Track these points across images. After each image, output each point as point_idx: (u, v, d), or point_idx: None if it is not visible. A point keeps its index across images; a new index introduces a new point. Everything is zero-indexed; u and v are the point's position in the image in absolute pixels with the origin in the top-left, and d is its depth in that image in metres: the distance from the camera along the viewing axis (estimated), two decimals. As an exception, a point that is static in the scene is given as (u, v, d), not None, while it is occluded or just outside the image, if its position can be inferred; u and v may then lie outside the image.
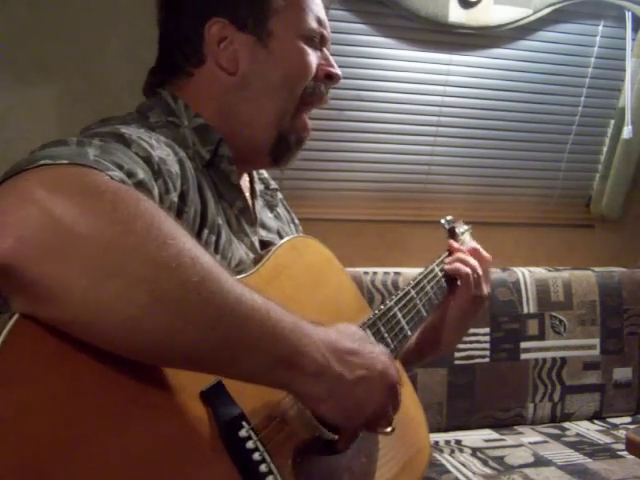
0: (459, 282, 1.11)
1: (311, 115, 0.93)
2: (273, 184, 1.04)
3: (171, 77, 0.88)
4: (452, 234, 1.21)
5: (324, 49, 0.92)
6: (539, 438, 1.77)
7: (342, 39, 1.78)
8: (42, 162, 0.53)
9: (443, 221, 1.22)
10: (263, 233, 0.94)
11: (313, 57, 0.89)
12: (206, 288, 0.54)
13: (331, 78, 0.91)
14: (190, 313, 0.53)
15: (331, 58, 0.92)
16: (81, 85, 1.59)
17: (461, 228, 1.25)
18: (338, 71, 0.92)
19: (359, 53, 1.82)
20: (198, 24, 0.85)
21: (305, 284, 0.87)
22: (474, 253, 1.14)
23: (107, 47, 1.58)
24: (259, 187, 1.00)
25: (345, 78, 1.78)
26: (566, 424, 1.89)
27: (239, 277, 0.76)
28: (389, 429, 0.74)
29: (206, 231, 0.78)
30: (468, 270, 1.10)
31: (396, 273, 1.81)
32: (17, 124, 1.54)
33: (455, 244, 1.17)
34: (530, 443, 1.73)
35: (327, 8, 0.96)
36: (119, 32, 1.59)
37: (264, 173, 1.04)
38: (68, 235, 0.49)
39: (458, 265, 1.11)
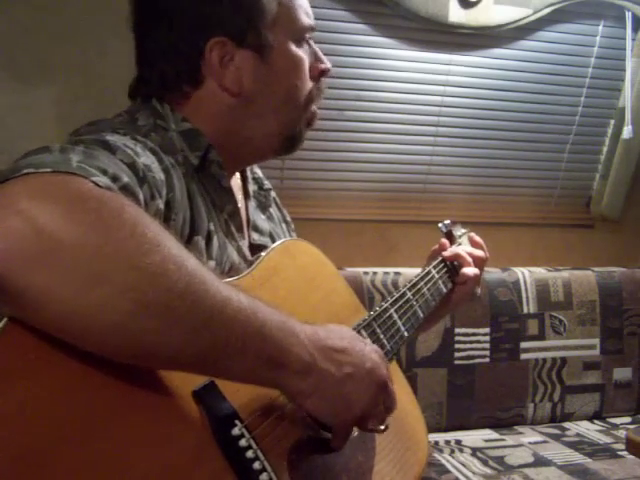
0: (460, 280, 1.17)
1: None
2: (267, 184, 1.03)
3: (163, 92, 0.84)
4: (450, 238, 1.22)
5: (311, 42, 0.89)
6: (539, 438, 1.77)
7: (342, 39, 1.78)
8: (25, 171, 0.53)
9: (441, 225, 1.23)
10: (255, 236, 0.94)
11: (307, 61, 0.87)
12: (191, 293, 0.54)
13: (324, 74, 0.90)
14: (175, 319, 0.53)
15: (319, 51, 0.90)
16: (81, 85, 1.59)
17: (458, 232, 1.25)
18: (328, 65, 0.90)
19: (359, 53, 1.82)
20: (195, 43, 0.81)
21: (298, 286, 0.87)
22: (470, 255, 1.19)
23: (107, 47, 1.58)
24: (252, 187, 0.99)
25: (345, 78, 1.81)
26: (566, 424, 1.89)
27: (231, 279, 0.76)
28: (382, 427, 0.74)
29: (198, 238, 0.78)
30: (477, 272, 1.17)
31: (396, 273, 1.80)
32: (17, 124, 1.55)
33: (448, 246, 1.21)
34: (530, 443, 1.73)
35: None
36: (119, 32, 1.58)
37: (258, 173, 1.03)
38: (52, 244, 0.49)
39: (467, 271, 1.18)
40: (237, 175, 0.95)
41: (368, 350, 0.72)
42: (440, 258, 1.16)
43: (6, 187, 0.52)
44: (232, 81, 0.82)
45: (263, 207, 1.01)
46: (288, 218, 1.10)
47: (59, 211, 0.50)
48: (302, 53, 0.86)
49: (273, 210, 1.05)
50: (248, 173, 0.99)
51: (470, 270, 1.16)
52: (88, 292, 0.50)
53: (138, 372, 0.57)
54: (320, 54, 0.90)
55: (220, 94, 0.83)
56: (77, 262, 0.49)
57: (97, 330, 0.51)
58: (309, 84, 0.88)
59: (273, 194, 1.06)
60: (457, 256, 1.17)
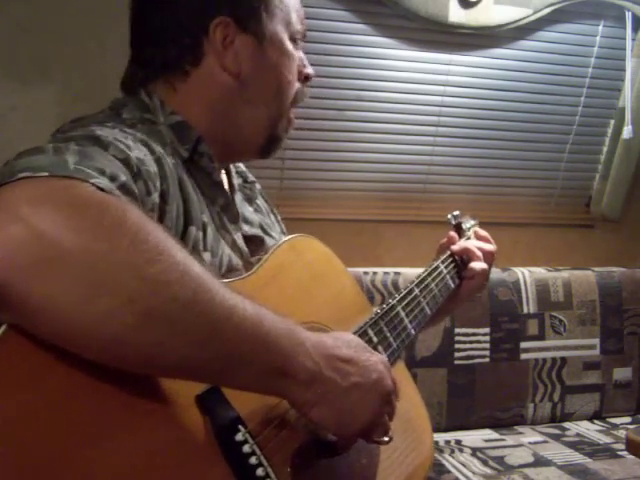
0: (468, 274, 1.16)
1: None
2: (251, 177, 1.04)
3: (159, 74, 0.85)
4: (458, 230, 1.21)
5: (299, 47, 0.92)
6: (539, 438, 1.77)
7: (342, 39, 1.78)
8: (22, 175, 0.52)
9: (450, 216, 1.22)
10: (246, 228, 0.93)
11: (297, 62, 0.90)
12: (196, 303, 0.53)
13: (308, 79, 0.93)
14: (180, 329, 0.53)
15: (304, 57, 0.93)
16: (81, 85, 1.59)
17: (468, 223, 1.24)
18: (312, 71, 0.93)
19: (359, 53, 1.82)
20: (201, 21, 0.82)
21: (305, 284, 0.86)
22: (480, 249, 1.18)
23: (107, 47, 1.58)
24: (237, 181, 0.99)
25: (345, 78, 1.81)
26: (566, 424, 1.89)
27: (237, 279, 0.76)
28: (386, 438, 0.73)
29: (193, 228, 0.77)
30: (485, 267, 1.16)
31: (396, 273, 1.80)
32: (18, 124, 1.54)
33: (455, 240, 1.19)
34: (530, 443, 1.73)
35: None
36: (119, 32, 1.58)
37: (241, 166, 1.03)
38: (53, 252, 0.48)
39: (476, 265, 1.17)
40: (222, 170, 0.95)
41: (374, 360, 0.71)
42: (449, 252, 1.15)
43: (4, 192, 0.51)
44: (232, 61, 0.84)
45: (249, 199, 1.00)
46: (275, 210, 1.10)
47: (60, 218, 0.49)
48: (295, 53, 0.89)
49: (260, 202, 1.05)
50: (232, 167, 0.98)
51: (478, 265, 1.15)
52: (90, 302, 0.49)
53: (140, 377, 0.57)
54: (305, 60, 0.93)
55: (219, 74, 0.84)
56: (79, 271, 0.49)
57: (98, 341, 0.50)
58: (297, 83, 0.90)
59: (258, 186, 1.05)
60: (466, 250, 1.16)
